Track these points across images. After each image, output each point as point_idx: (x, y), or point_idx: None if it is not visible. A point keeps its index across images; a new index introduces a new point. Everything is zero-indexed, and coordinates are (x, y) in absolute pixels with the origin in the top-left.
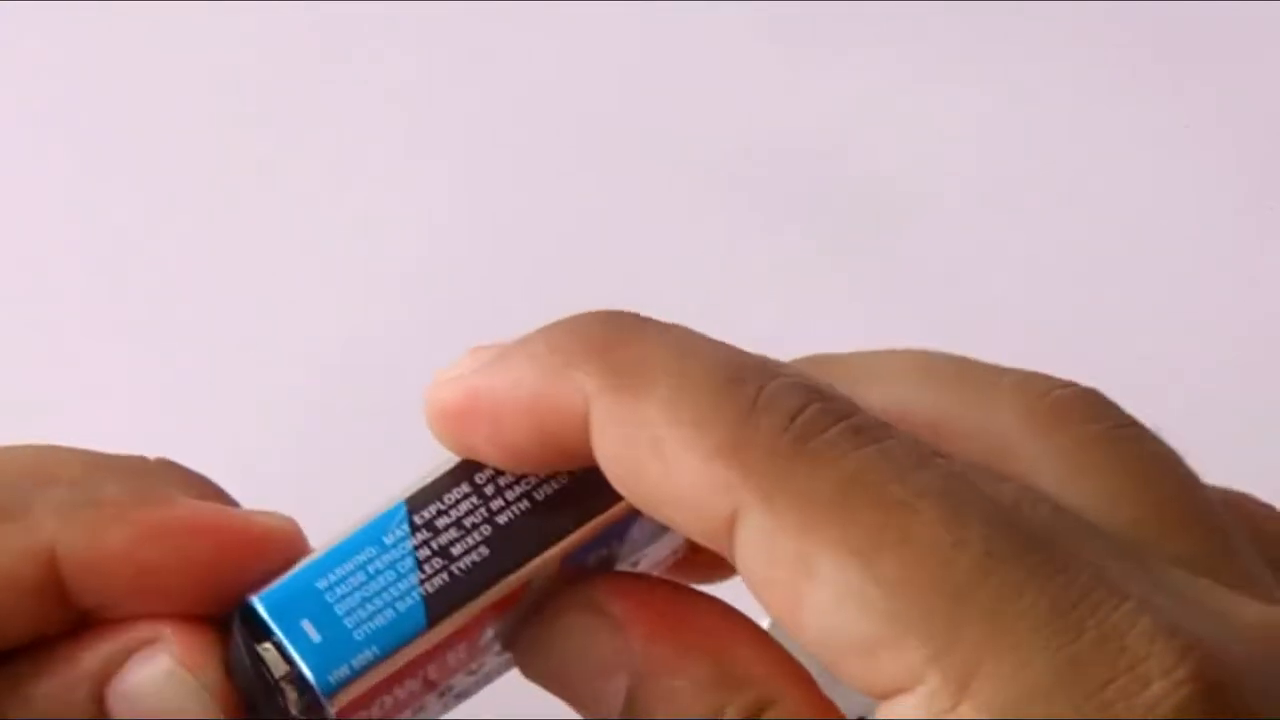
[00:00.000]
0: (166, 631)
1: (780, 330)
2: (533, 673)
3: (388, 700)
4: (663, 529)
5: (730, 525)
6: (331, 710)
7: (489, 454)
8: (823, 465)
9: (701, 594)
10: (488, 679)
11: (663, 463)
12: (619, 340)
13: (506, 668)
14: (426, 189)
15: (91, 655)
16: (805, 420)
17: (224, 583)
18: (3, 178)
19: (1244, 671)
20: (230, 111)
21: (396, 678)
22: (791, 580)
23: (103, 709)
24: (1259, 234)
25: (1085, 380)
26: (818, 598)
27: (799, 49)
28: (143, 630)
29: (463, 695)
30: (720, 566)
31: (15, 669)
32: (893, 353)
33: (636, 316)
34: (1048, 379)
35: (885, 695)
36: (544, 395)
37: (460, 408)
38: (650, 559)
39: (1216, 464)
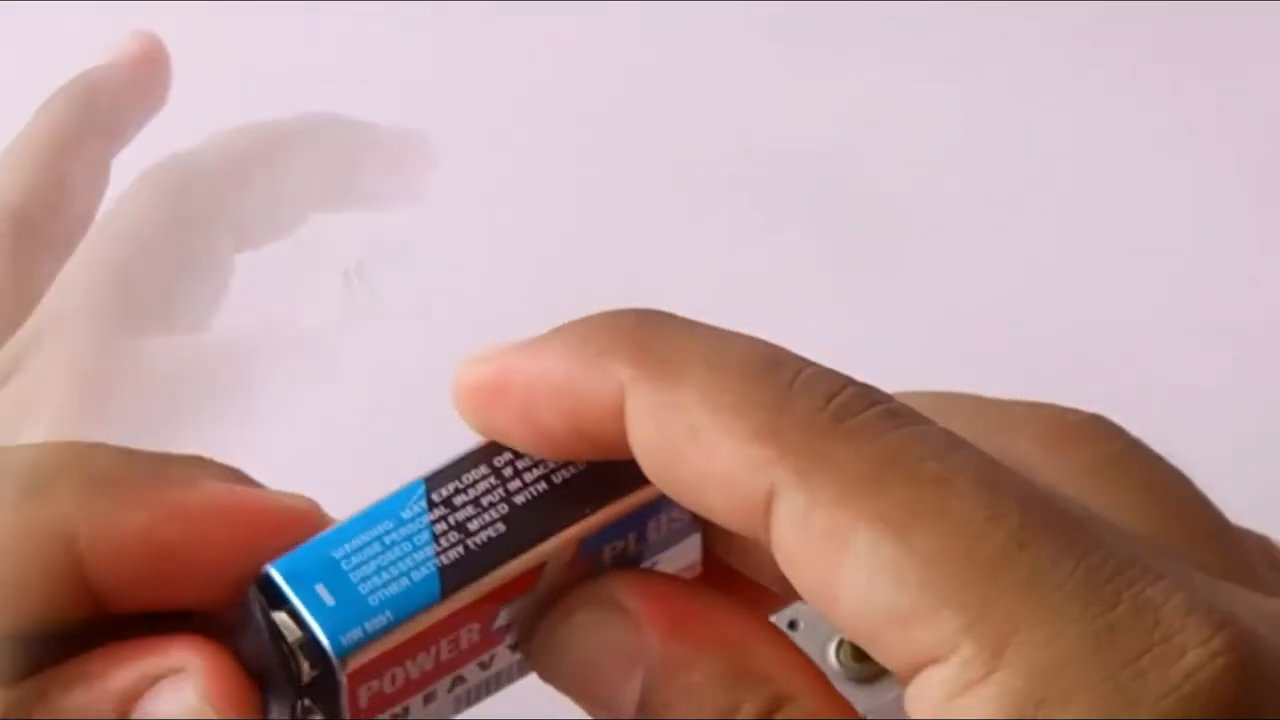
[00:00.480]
0: (197, 662)
1: (780, 330)
2: (547, 670)
3: (399, 674)
4: (679, 534)
5: (766, 506)
6: (343, 674)
7: (518, 435)
8: (859, 442)
9: (717, 591)
10: (498, 681)
11: (699, 447)
12: (653, 333)
13: (519, 672)
14: (427, 188)
15: (121, 674)
16: (842, 401)
17: (243, 565)
18: None
19: (1272, 652)
20: (230, 111)
21: (409, 649)
22: (826, 555)
23: None
24: (1259, 234)
25: (1086, 380)
26: (852, 571)
27: (799, 49)
28: (174, 656)
29: (473, 694)
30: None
31: (45, 680)
32: (907, 394)
33: (669, 313)
34: (1054, 406)
35: (918, 666)
36: (577, 381)
37: (492, 385)
38: (665, 569)
39: (1217, 464)
